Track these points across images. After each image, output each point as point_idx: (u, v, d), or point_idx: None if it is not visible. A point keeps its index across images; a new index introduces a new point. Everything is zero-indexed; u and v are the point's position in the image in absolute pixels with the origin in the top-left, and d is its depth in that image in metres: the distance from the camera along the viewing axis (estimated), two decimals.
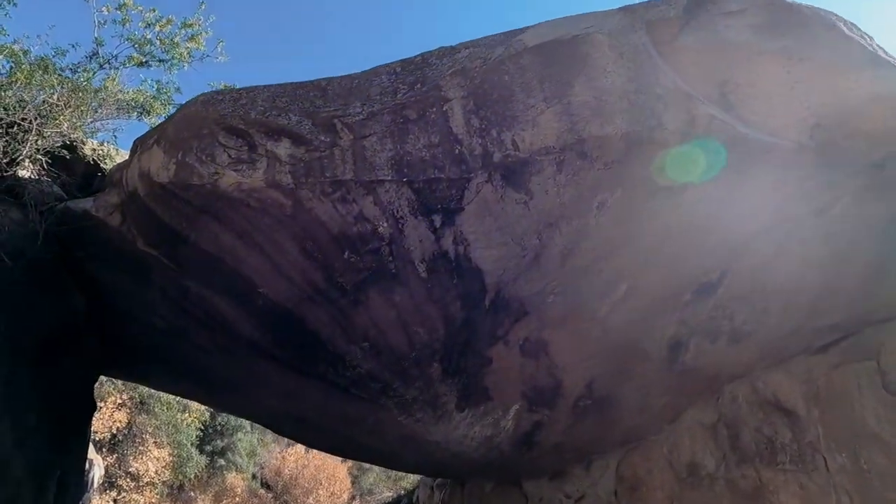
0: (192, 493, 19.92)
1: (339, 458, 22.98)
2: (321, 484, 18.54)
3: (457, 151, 2.32)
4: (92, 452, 9.35)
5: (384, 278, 2.79)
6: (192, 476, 15.55)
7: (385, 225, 2.57)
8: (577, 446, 3.68)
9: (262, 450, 22.84)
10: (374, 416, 4.06)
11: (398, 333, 3.04)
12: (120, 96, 5.49)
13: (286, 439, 25.06)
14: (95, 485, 9.98)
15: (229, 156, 2.78)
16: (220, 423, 19.38)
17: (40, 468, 4.55)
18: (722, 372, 3.19)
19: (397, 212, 2.53)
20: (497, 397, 3.30)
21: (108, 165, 4.86)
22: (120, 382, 12.38)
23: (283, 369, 4.12)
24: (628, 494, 3.43)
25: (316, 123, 2.67)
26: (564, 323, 2.90)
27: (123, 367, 6.30)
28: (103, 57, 5.97)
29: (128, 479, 13.24)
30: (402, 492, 12.71)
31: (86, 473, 7.49)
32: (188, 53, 6.35)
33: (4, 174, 3.93)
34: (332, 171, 2.50)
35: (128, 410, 12.71)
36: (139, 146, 3.59)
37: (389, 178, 2.41)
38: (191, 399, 7.03)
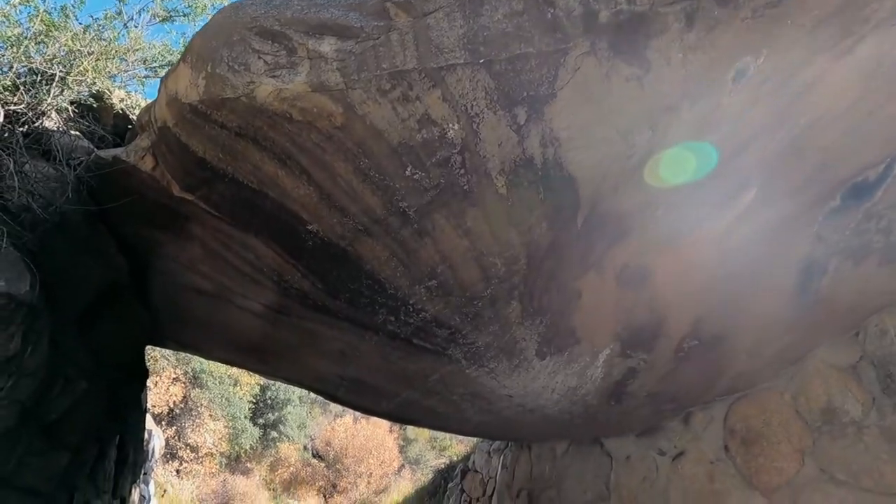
0: (249, 464, 20.68)
1: (387, 428, 23.36)
2: (371, 453, 18.83)
3: (549, 16, 1.80)
4: (151, 424, 9.54)
5: (454, 198, 2.33)
6: (247, 447, 16.01)
7: (456, 127, 2.10)
8: (675, 396, 3.19)
9: (312, 422, 23.44)
10: (439, 372, 3.67)
11: (470, 268, 2.59)
12: (146, 52, 5.21)
13: (334, 412, 25.66)
14: (157, 455, 10.24)
15: (265, 62, 2.36)
16: (269, 398, 19.89)
17: (97, 434, 4.43)
18: (865, 301, 2.61)
19: (471, 107, 2.04)
20: (586, 340, 2.84)
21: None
22: (173, 357, 12.65)
23: (337, 325, 3.77)
24: (743, 449, 2.94)
25: (365, 13, 2.21)
26: (673, 244, 2.39)
27: (171, 337, 6.18)
28: (127, 15, 5.69)
29: (188, 451, 13.70)
30: (449, 461, 12.58)
31: (146, 443, 7.55)
32: (210, 4, 6.02)
33: (32, 125, 3.70)
34: (389, 60, 2.03)
35: (182, 385, 13.03)
36: (165, 76, 3.25)
37: (462, 61, 1.92)
38: (241, 367, 6.88)
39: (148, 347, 12.34)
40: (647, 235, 2.34)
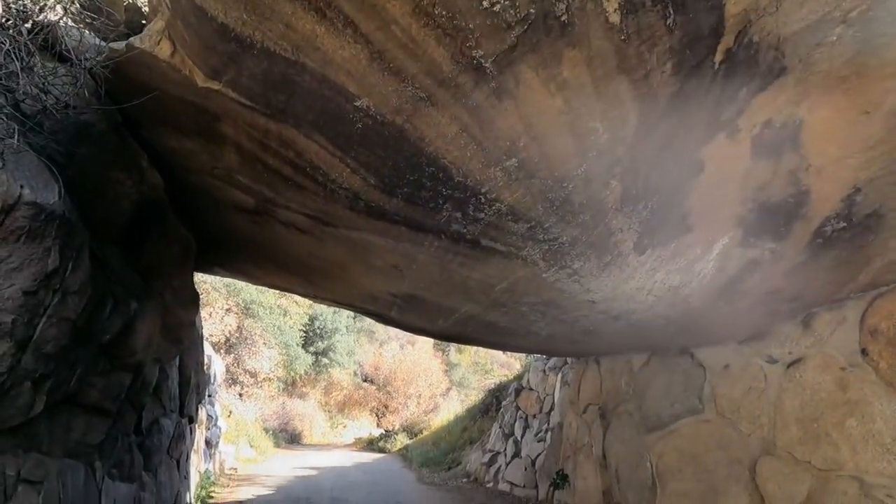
0: (304, 389, 21.91)
1: (432, 353, 24.03)
2: (418, 376, 19.49)
3: None
4: (210, 351, 9.89)
5: (547, 37, 1.76)
6: (301, 372, 16.80)
7: None
8: (799, 294, 2.69)
9: (359, 349, 24.37)
10: (508, 280, 3.25)
11: (562, 138, 2.06)
12: None
13: (380, 339, 26.55)
14: (219, 380, 10.72)
15: None
16: (318, 327, 20.60)
17: (156, 355, 4.37)
18: None
19: None
20: (699, 228, 2.33)
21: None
22: (224, 289, 12.96)
23: (392, 231, 3.37)
24: (890, 352, 2.45)
25: None
26: (843, 84, 1.77)
27: (218, 262, 6.04)
28: None
29: (247, 376, 14.44)
30: (498, 382, 12.69)
31: (206, 367, 7.73)
32: None
33: (36, 20, 3.29)
34: None
35: (236, 315, 13.46)
36: None
37: None
38: (290, 291, 6.76)
39: (199, 278, 12.63)
40: (810, 72, 1.72)
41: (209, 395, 8.14)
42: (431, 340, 28.78)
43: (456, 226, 2.79)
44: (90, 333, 3.33)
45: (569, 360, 6.57)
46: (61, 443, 3.22)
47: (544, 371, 7.52)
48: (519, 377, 8.89)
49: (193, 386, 5.54)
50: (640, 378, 4.09)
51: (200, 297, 12.32)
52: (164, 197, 4.00)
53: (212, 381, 8.17)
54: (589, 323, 3.45)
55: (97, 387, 3.44)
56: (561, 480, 5.23)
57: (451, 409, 16.96)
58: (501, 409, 8.44)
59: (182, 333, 4.64)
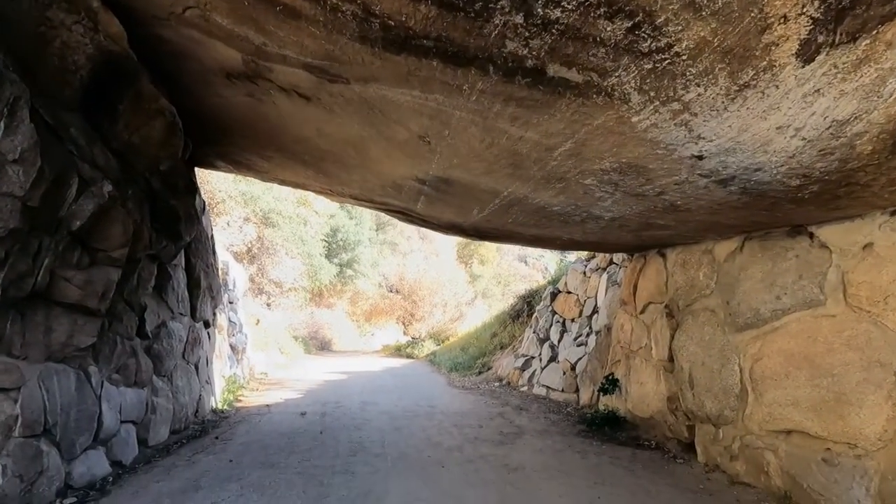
0: (331, 300, 22.20)
1: (456, 264, 23.85)
2: (443, 286, 19.37)
3: None
4: (229, 258, 9.56)
5: None
6: (326, 283, 16.74)
7: None
8: None
9: (383, 261, 24.30)
10: (577, 136, 2.44)
11: None
12: None
13: (403, 251, 26.38)
14: (242, 287, 10.52)
15: None
16: (341, 239, 20.33)
17: (151, 252, 3.80)
18: None
19: None
20: None
21: None
22: (240, 196, 12.42)
23: (419, 74, 2.52)
24: None
25: None
26: None
27: (218, 153, 5.30)
28: None
29: (272, 286, 14.37)
30: (526, 289, 12.24)
31: (222, 271, 7.33)
32: None
33: None
34: None
35: (255, 225, 13.06)
36: None
37: None
38: (304, 187, 6.06)
39: (213, 186, 12.04)
40: None
41: (230, 302, 7.84)
42: (455, 251, 28.57)
43: (513, 43, 1.93)
44: (52, 217, 2.71)
45: (616, 258, 5.87)
46: (41, 346, 2.74)
47: (584, 273, 6.88)
48: (554, 281, 8.31)
49: (205, 289, 5.08)
50: (728, 268, 3.36)
51: (215, 205, 11.73)
52: (130, 52, 3.18)
53: (231, 287, 7.83)
54: (679, 195, 2.66)
55: (75, 282, 2.89)
56: (610, 385, 4.77)
57: (477, 317, 16.91)
58: (535, 315, 7.98)
59: (180, 228, 4.04)
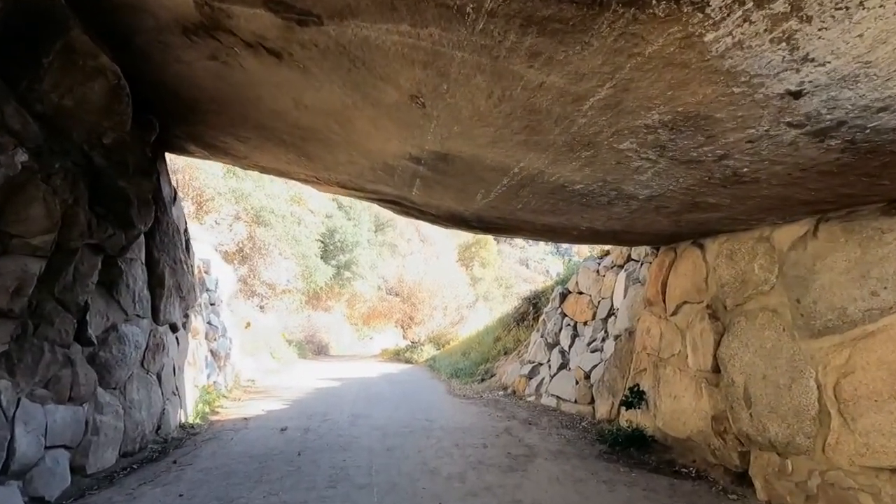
0: (329, 302, 21.60)
1: (458, 262, 23.24)
2: (444, 288, 18.74)
3: None
4: (213, 255, 8.94)
5: None
6: (321, 284, 16.11)
7: None
8: None
9: (382, 263, 23.69)
10: (619, 74, 1.85)
11: None
12: None
13: (403, 253, 25.77)
14: (230, 289, 9.90)
15: None
16: (338, 240, 19.73)
17: (90, 238, 3.19)
18: None
19: None
20: None
21: None
22: (230, 193, 11.82)
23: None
24: None
25: None
26: None
27: (186, 134, 4.69)
28: None
29: (265, 287, 13.75)
30: (532, 290, 11.61)
31: (199, 269, 6.72)
32: None
33: None
34: None
35: (245, 224, 12.45)
36: None
37: None
38: (287, 175, 5.45)
39: (201, 182, 11.44)
40: None
41: (212, 304, 7.22)
42: (456, 253, 27.93)
43: None
44: None
45: (636, 253, 5.24)
46: None
47: (597, 271, 6.25)
48: (562, 281, 7.69)
49: (172, 288, 4.46)
50: (796, 258, 2.72)
51: (204, 202, 11.12)
52: (59, 5, 2.58)
53: (213, 287, 7.21)
54: (749, 159, 2.04)
55: None
56: (635, 398, 4.14)
57: (479, 320, 16.28)
58: (542, 317, 7.35)
59: (131, 214, 3.43)
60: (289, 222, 13.14)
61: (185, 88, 3.89)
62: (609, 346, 5.21)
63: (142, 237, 4.04)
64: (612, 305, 5.56)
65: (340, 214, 20.37)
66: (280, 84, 3.27)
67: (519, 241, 40.23)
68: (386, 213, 25.74)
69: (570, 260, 10.44)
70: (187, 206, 11.34)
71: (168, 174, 5.18)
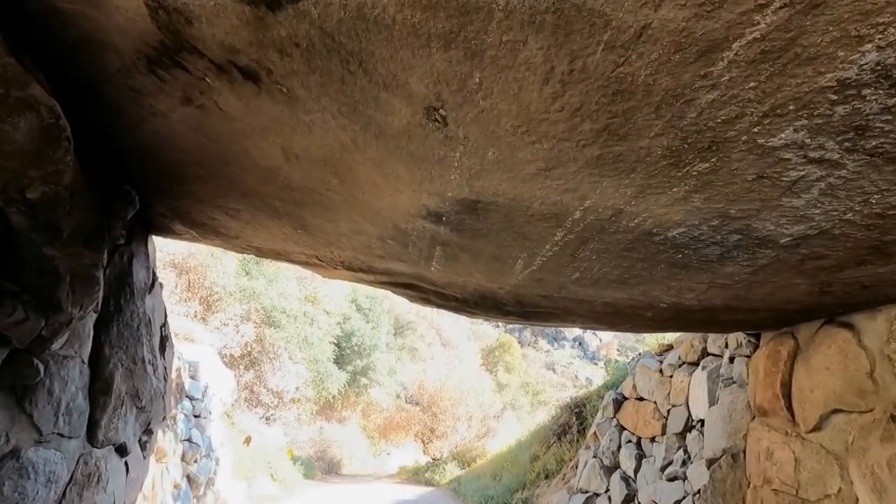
0: (344, 412, 19.89)
1: (483, 367, 21.58)
2: (467, 394, 17.04)
3: None
4: (209, 362, 7.98)
5: None
6: (334, 392, 14.73)
7: None
8: None
9: (401, 369, 22.22)
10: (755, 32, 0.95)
11: None
12: None
13: (423, 356, 24.32)
14: (227, 398, 8.78)
15: None
16: (355, 344, 18.63)
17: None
18: None
19: None
20: None
21: None
22: (239, 292, 11.17)
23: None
24: None
25: None
26: None
27: (168, 209, 4.04)
28: None
29: (271, 396, 12.49)
30: (573, 397, 10.16)
31: (189, 374, 5.74)
32: None
33: None
34: None
35: (254, 325, 11.62)
36: None
37: None
38: (284, 257, 4.67)
39: (209, 280, 10.86)
40: None
41: (197, 416, 6.11)
42: (480, 357, 26.27)
43: None
44: None
45: (716, 344, 4.10)
46: None
47: (660, 371, 5.05)
48: (612, 385, 6.40)
49: (124, 395, 3.49)
50: None
51: (213, 303, 10.46)
52: None
53: (200, 396, 6.16)
54: None
55: None
56: None
57: (508, 432, 14.40)
58: (594, 430, 5.97)
59: (61, 295, 2.61)
60: (301, 323, 12.28)
61: (165, 151, 3.27)
62: (697, 472, 3.87)
63: (88, 328, 3.18)
64: (690, 415, 4.29)
65: (358, 317, 19.50)
66: (266, 128, 2.59)
67: (544, 343, 38.17)
68: (406, 315, 24.81)
69: (615, 361, 9.13)
70: (194, 307, 10.68)
71: (148, 258, 4.46)
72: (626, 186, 1.77)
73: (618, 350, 36.77)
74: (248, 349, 11.61)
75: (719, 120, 1.35)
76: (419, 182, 2.42)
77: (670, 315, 2.88)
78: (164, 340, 4.67)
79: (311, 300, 13.72)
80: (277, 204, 3.50)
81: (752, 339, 3.42)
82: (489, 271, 3.04)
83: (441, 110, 1.87)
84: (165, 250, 10.35)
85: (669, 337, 5.92)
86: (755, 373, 3.22)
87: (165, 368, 4.61)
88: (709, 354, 4.21)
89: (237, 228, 4.28)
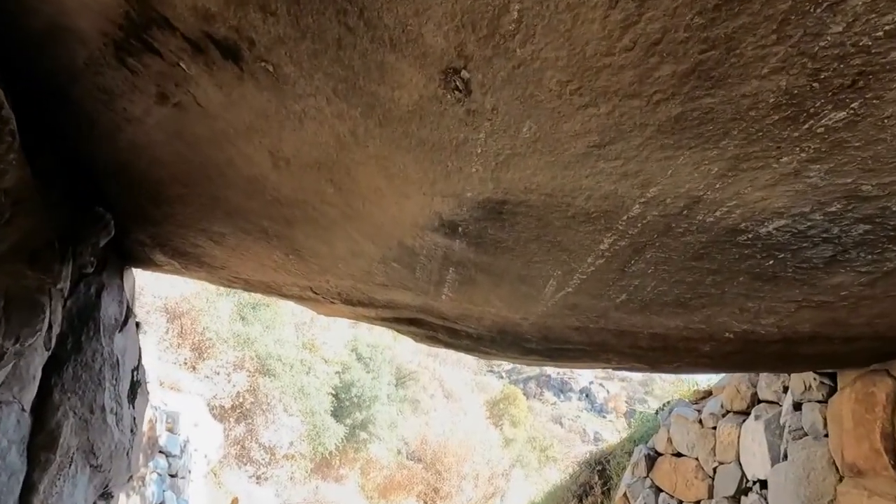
0: (342, 470, 18.61)
1: (489, 418, 20.40)
2: (473, 450, 15.93)
3: None
4: (207, 418, 7.31)
5: None
6: (331, 448, 13.73)
7: None
8: None
9: (403, 422, 21.08)
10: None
11: None
12: None
13: (426, 409, 23.20)
14: (212, 455, 8.01)
15: None
16: (355, 395, 17.70)
17: None
18: None
19: None
20: None
21: None
22: (232, 338, 10.56)
23: None
24: None
25: None
26: None
27: (147, 236, 3.61)
28: None
29: (263, 452, 11.57)
30: (590, 451, 9.33)
31: (166, 426, 5.13)
32: None
33: None
34: None
35: (247, 372, 10.92)
36: None
37: None
38: (276, 290, 4.21)
39: (202, 324, 10.29)
40: None
41: (174, 475, 5.43)
42: (484, 407, 25.01)
43: None
44: None
45: (771, 389, 3.53)
46: None
47: (700, 422, 4.43)
48: (641, 438, 5.71)
49: (75, 452, 2.93)
50: None
51: (205, 350, 9.85)
52: None
53: (180, 451, 5.49)
54: None
55: None
56: None
57: (519, 492, 13.27)
58: (624, 492, 5.23)
59: (22, 343, 2.13)
60: (297, 372, 11.58)
61: (143, 166, 2.90)
62: None
63: (34, 368, 2.67)
64: (745, 475, 3.65)
65: (359, 366, 18.66)
66: (251, 127, 2.22)
67: (549, 395, 36.45)
68: (408, 364, 23.88)
69: (638, 413, 8.37)
70: (184, 353, 10.07)
71: (123, 292, 4.00)
72: (710, 161, 1.33)
73: (626, 402, 35.23)
74: (240, 400, 10.86)
75: (880, 33, 0.93)
76: (431, 181, 1.99)
77: (734, 349, 2.37)
78: (136, 386, 4.12)
79: (310, 347, 13.05)
80: (266, 224, 3.09)
81: (825, 381, 2.88)
82: (512, 297, 2.56)
83: (463, 71, 1.47)
84: (157, 294, 9.88)
85: (698, 380, 5.33)
86: (838, 422, 2.65)
87: (134, 419, 4.04)
88: (761, 401, 3.63)
89: (223, 257, 3.84)
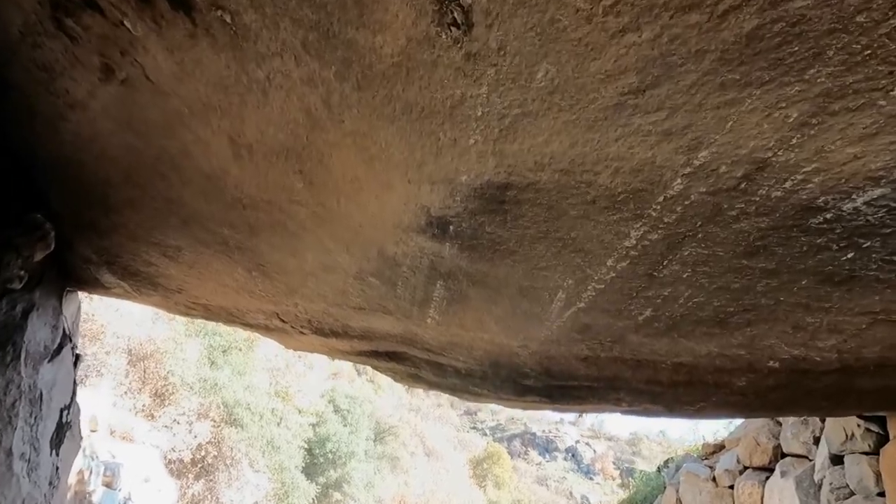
0: None
1: (472, 478, 19.14)
2: None
3: None
4: (162, 473, 6.51)
5: None
6: None
7: None
8: None
9: (381, 481, 19.67)
10: None
11: None
12: None
13: (406, 467, 21.79)
14: None
15: None
16: (330, 451, 16.50)
17: None
18: None
19: None
20: None
21: None
22: (198, 383, 9.72)
23: None
24: None
25: None
26: None
27: (96, 253, 3.16)
28: None
29: None
30: None
31: (106, 479, 4.43)
32: None
33: None
34: None
35: (212, 422, 10.00)
36: None
37: None
38: (246, 322, 3.73)
39: (163, 368, 9.50)
40: None
41: None
42: (467, 465, 23.63)
43: None
44: None
45: (798, 441, 3.10)
46: None
47: (713, 479, 3.92)
48: (644, 500, 5.11)
49: None
50: None
51: (168, 395, 9.05)
52: None
53: None
54: None
55: None
56: None
57: None
58: None
59: None
60: (267, 422, 10.68)
61: (89, 163, 2.55)
62: None
63: None
64: None
65: (336, 418, 17.54)
66: (208, 105, 1.89)
67: (534, 455, 34.69)
68: (388, 419, 22.66)
69: (639, 472, 7.71)
70: (143, 399, 9.21)
71: (60, 316, 3.48)
72: (789, 103, 1.01)
73: (614, 463, 33.90)
74: (202, 453, 9.87)
75: None
76: (418, 163, 1.65)
77: (776, 383, 1.97)
78: (64, 429, 3.52)
79: (283, 396, 12.16)
80: (226, 233, 2.69)
81: (872, 427, 2.47)
82: (510, 318, 2.16)
83: None
84: (120, 334, 9.15)
85: (703, 431, 4.85)
86: (893, 477, 2.23)
87: (57, 469, 3.41)
88: (786, 454, 3.18)
89: (179, 277, 3.39)
